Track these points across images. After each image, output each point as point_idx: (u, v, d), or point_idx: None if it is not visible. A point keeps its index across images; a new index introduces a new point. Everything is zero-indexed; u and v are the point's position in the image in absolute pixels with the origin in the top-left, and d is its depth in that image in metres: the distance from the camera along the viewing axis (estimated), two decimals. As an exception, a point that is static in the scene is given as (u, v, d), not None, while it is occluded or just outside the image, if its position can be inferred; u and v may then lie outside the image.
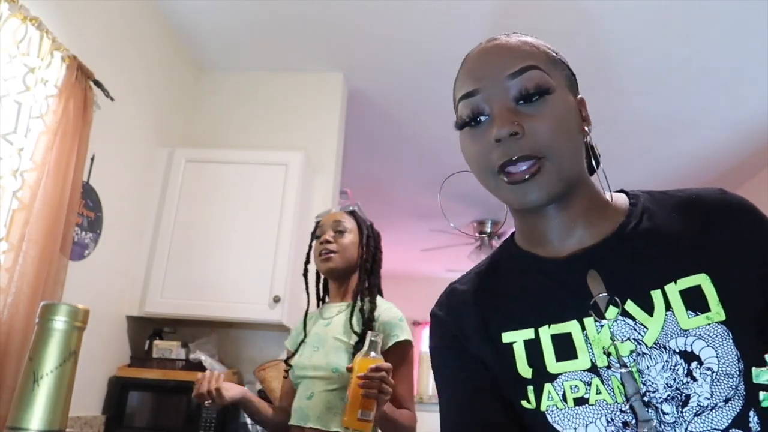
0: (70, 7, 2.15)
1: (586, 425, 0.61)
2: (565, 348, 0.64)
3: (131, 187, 2.62)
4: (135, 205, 2.64)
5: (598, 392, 0.61)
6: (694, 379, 0.58)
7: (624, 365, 0.61)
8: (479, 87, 0.69)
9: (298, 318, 3.06)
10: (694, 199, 0.69)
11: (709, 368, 0.58)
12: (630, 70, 2.98)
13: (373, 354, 1.34)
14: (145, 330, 2.70)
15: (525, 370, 0.66)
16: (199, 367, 2.50)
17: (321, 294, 1.80)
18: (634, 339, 0.61)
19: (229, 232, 2.66)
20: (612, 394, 0.61)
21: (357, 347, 1.50)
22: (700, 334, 0.59)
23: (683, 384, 0.58)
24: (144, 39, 2.66)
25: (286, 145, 3.10)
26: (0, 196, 1.76)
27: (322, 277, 1.78)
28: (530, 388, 0.65)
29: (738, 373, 0.57)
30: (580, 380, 0.62)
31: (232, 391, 1.53)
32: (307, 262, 1.75)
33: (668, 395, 0.58)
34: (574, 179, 0.69)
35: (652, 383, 0.59)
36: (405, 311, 6.43)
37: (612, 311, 0.63)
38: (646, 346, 0.61)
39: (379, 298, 1.68)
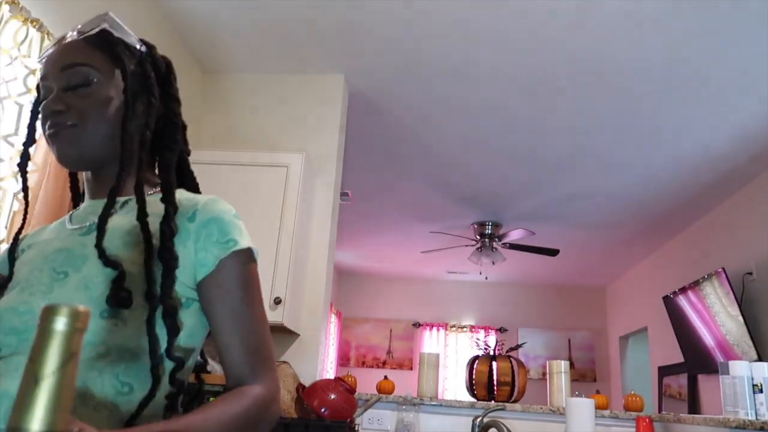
0: (72, 8, 2.15)
1: None
2: None
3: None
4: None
5: None
6: None
7: None
8: None
9: (299, 320, 3.08)
10: None
11: None
12: (629, 75, 2.98)
13: None
14: (146, 332, 2.70)
15: None
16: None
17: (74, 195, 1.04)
18: None
19: (230, 234, 2.66)
20: None
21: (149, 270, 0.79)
22: None
23: None
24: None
25: (287, 146, 3.11)
26: (1, 197, 1.76)
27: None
28: None
29: None
30: None
31: None
32: (29, 142, 0.94)
33: None
34: None
35: None
36: (405, 312, 6.48)
37: None
38: None
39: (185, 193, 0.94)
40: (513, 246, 5.48)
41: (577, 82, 3.10)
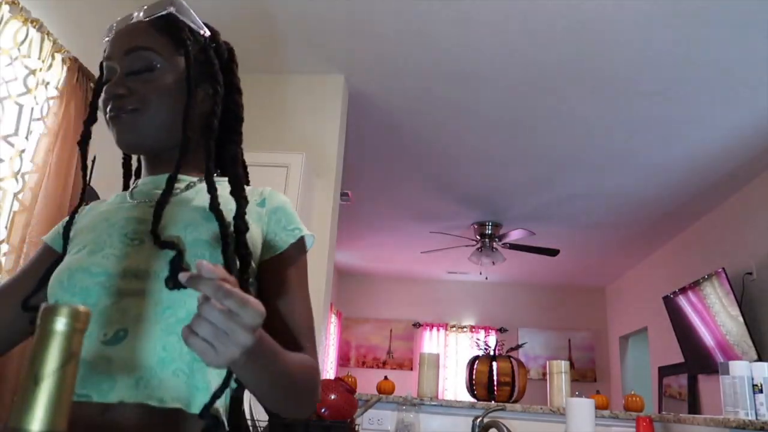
0: (71, 9, 2.15)
1: None
2: None
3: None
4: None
5: None
6: None
7: None
8: None
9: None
10: None
11: None
12: (629, 77, 2.98)
13: None
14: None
15: None
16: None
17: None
18: None
19: (230, 234, 2.66)
20: None
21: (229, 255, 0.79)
22: None
23: None
24: (145, 41, 2.67)
25: (287, 146, 3.10)
26: (1, 198, 1.76)
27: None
28: None
29: None
30: None
31: None
32: (90, 121, 0.93)
33: None
34: None
35: None
36: (405, 312, 6.51)
37: None
38: None
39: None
40: (513, 246, 5.48)
41: (577, 83, 3.10)
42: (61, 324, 0.44)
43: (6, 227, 1.78)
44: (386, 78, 3.21)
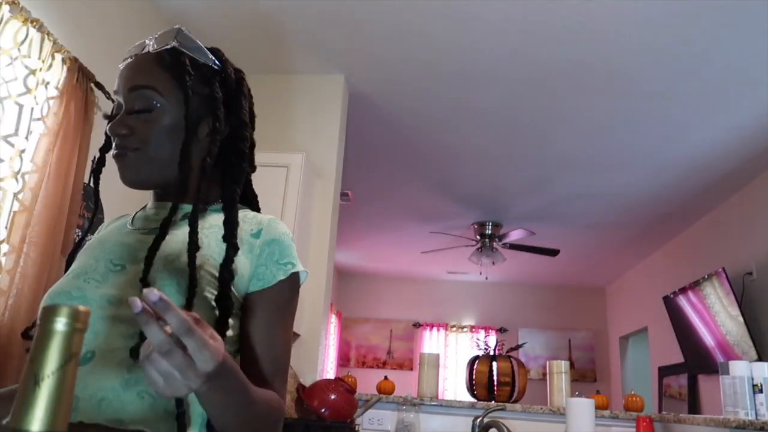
0: (71, 9, 2.15)
1: None
2: None
3: (133, 190, 2.62)
4: (136, 207, 2.64)
5: None
6: None
7: None
8: None
9: (299, 320, 3.07)
10: None
11: None
12: (629, 77, 2.98)
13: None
14: (146, 332, 2.69)
15: None
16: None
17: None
18: None
19: (230, 234, 2.66)
20: None
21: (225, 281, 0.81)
22: None
23: None
24: (145, 41, 2.67)
25: (287, 147, 3.10)
26: (1, 198, 1.76)
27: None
28: None
29: None
30: None
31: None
32: (105, 149, 0.95)
33: None
34: None
35: None
36: (405, 312, 6.49)
37: None
38: None
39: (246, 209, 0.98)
40: (513, 246, 5.48)
41: (577, 83, 3.10)
42: (61, 324, 0.44)
43: (6, 227, 1.78)
44: (386, 78, 3.20)
